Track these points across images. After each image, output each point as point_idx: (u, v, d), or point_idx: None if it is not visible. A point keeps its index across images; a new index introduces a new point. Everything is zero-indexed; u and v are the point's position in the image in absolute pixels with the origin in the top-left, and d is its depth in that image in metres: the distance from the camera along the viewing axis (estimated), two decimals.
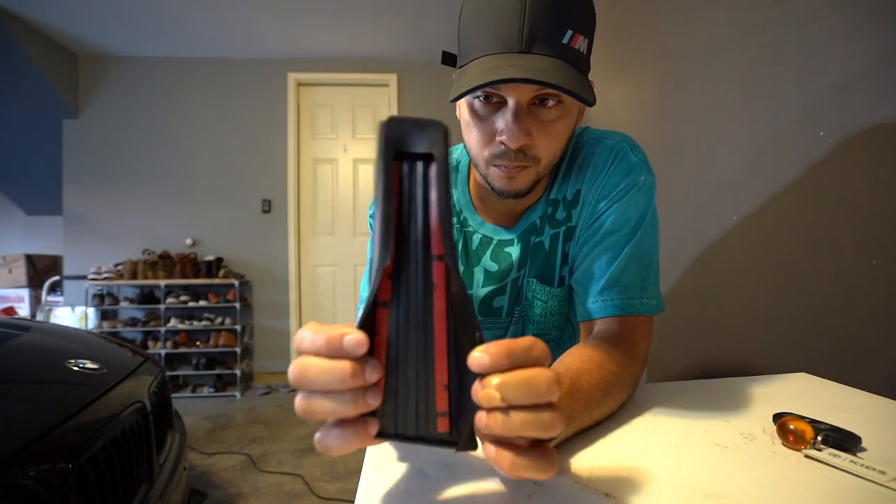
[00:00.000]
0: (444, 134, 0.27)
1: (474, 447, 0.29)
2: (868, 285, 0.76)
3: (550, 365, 0.31)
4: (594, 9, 0.53)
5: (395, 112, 3.70)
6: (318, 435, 0.28)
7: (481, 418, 0.27)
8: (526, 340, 0.27)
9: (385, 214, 0.27)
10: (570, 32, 0.49)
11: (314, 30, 3.23)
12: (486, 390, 0.26)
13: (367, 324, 0.28)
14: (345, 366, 0.26)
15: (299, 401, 0.27)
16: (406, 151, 0.28)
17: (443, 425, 0.29)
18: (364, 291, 0.70)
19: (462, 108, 0.58)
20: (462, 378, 0.29)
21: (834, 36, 0.83)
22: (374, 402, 0.27)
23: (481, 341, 0.28)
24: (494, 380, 0.26)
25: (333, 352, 0.26)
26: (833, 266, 0.83)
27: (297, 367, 0.27)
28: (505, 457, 0.27)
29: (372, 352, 0.29)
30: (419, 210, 0.28)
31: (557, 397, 0.27)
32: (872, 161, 0.76)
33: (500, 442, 0.28)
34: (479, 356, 0.26)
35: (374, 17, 3.06)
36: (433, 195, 0.28)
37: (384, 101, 3.75)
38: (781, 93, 0.96)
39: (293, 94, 3.64)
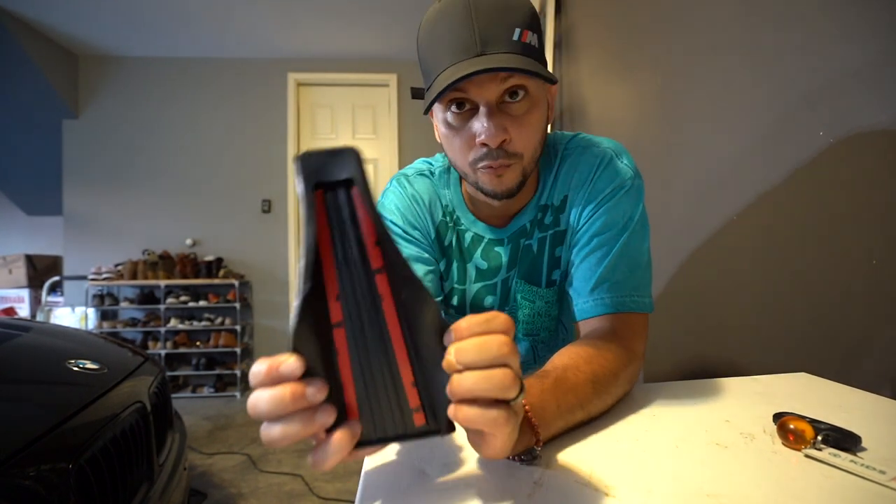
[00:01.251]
0: (357, 157, 0.30)
1: (454, 429, 0.32)
2: (868, 285, 0.76)
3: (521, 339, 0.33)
4: (535, 8, 0.57)
5: (394, 113, 3.71)
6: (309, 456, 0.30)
7: (448, 387, 0.30)
8: (486, 314, 0.31)
9: (309, 245, 0.29)
10: (518, 30, 0.53)
11: (314, 30, 3.23)
12: (446, 359, 0.30)
13: (315, 348, 0.30)
14: (283, 390, 0.28)
15: (261, 430, 0.29)
16: (326, 181, 0.30)
17: (419, 419, 0.31)
18: None
19: (438, 126, 0.61)
20: (426, 371, 0.31)
21: (835, 34, 0.83)
22: (324, 418, 0.29)
23: (444, 326, 0.31)
24: (452, 348, 0.30)
25: (274, 380, 0.28)
26: (833, 266, 0.83)
27: (250, 399, 0.29)
28: (459, 409, 0.30)
29: (335, 371, 0.30)
30: (350, 230, 0.30)
31: (513, 360, 0.30)
32: (872, 161, 0.76)
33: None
34: (447, 334, 0.30)
35: (373, 17, 3.06)
36: (360, 213, 0.30)
37: (384, 101, 3.75)
38: (781, 92, 0.95)
39: (293, 94, 3.65)
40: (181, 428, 1.35)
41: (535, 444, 0.39)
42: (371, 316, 0.31)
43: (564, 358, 0.50)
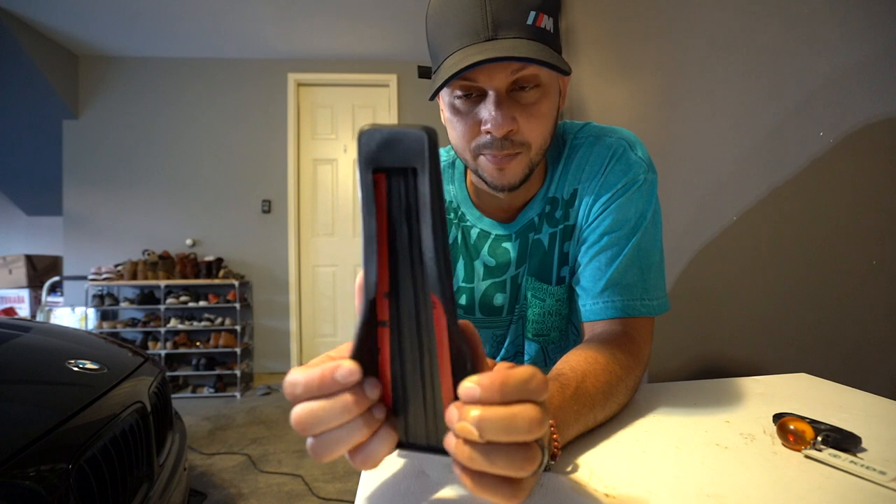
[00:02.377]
0: (430, 141, 0.24)
1: None
2: (868, 285, 0.76)
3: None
4: None
5: (394, 113, 3.70)
6: (351, 459, 0.28)
7: (450, 443, 0.26)
8: (523, 372, 0.25)
9: (368, 236, 0.26)
10: (533, 13, 0.50)
11: (314, 30, 3.23)
12: (462, 423, 0.25)
13: (366, 345, 0.28)
14: (346, 398, 0.26)
15: (313, 445, 0.27)
16: (386, 167, 0.25)
17: None
18: None
19: (444, 111, 0.58)
20: None
21: (833, 35, 0.83)
22: (380, 414, 0.28)
23: (473, 369, 0.27)
24: (473, 412, 0.24)
25: (329, 388, 0.26)
26: (833, 266, 0.83)
27: (300, 415, 0.26)
28: (465, 478, 0.26)
29: (377, 369, 0.28)
30: (412, 227, 0.26)
31: (541, 434, 0.25)
32: (872, 161, 0.76)
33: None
34: (470, 387, 0.25)
35: (374, 17, 3.06)
36: (422, 215, 0.26)
37: (384, 102, 3.75)
38: (780, 93, 0.96)
39: (293, 94, 3.65)
40: (181, 428, 1.35)
41: (551, 457, 0.37)
42: (422, 322, 0.27)
43: (583, 363, 0.48)
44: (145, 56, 3.54)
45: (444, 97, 0.57)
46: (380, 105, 3.76)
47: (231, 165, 3.60)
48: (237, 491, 1.92)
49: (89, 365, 1.03)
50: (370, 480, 0.38)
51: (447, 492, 0.36)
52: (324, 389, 0.26)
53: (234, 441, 2.43)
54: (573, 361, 0.49)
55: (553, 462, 0.38)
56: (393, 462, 0.41)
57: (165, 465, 1.09)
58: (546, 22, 0.51)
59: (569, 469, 0.39)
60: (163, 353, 3.20)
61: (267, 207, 3.61)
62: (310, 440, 0.27)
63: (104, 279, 3.25)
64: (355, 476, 2.02)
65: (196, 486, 1.93)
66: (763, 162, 1.01)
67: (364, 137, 0.25)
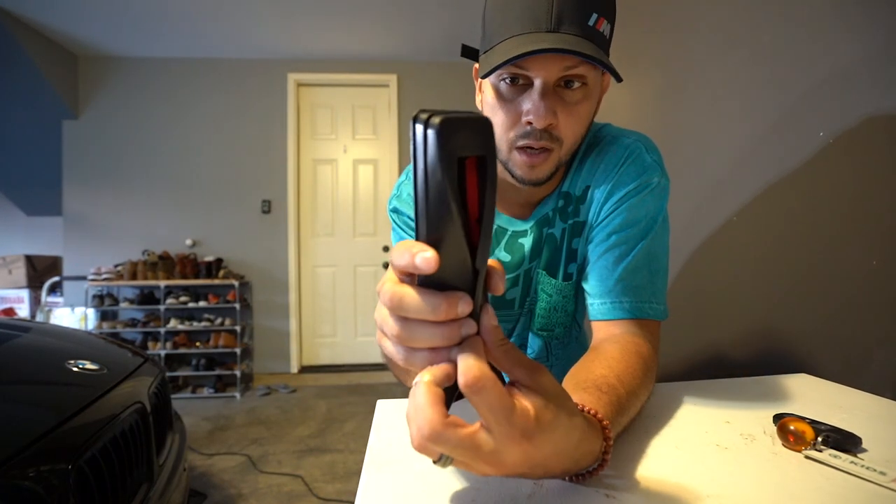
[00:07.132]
0: (492, 131, 0.27)
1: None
2: (868, 285, 0.76)
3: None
4: None
5: (394, 113, 3.70)
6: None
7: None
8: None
9: (455, 234, 0.26)
10: (595, 15, 0.50)
11: (314, 30, 3.23)
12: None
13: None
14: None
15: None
16: (472, 154, 0.26)
17: None
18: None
19: (486, 92, 0.58)
20: None
21: (834, 33, 0.83)
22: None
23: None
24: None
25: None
26: (833, 266, 0.83)
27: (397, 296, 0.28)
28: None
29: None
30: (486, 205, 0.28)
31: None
32: (872, 161, 0.76)
33: None
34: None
35: (374, 17, 3.06)
36: (468, 187, 0.27)
37: (384, 102, 3.75)
38: (780, 92, 0.96)
39: (293, 94, 3.64)
40: (181, 428, 1.35)
41: (599, 465, 0.35)
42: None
43: (622, 367, 0.47)
44: (145, 56, 3.54)
45: (490, 79, 0.56)
46: (380, 105, 3.76)
47: (231, 165, 3.60)
48: (237, 491, 1.92)
49: (89, 365, 1.03)
50: (371, 480, 0.38)
51: (447, 492, 0.36)
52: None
53: (233, 441, 2.43)
54: (609, 365, 0.47)
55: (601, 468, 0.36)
56: (393, 462, 0.41)
57: (165, 466, 1.09)
58: (605, 27, 0.52)
59: None
60: (162, 353, 3.20)
61: (267, 207, 3.61)
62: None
63: (104, 279, 3.25)
64: (355, 476, 2.02)
65: (196, 487, 1.93)
66: (763, 161, 1.01)
67: (446, 127, 0.25)
